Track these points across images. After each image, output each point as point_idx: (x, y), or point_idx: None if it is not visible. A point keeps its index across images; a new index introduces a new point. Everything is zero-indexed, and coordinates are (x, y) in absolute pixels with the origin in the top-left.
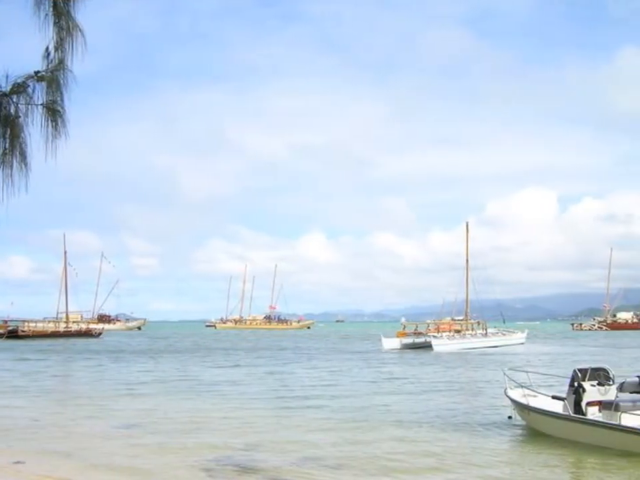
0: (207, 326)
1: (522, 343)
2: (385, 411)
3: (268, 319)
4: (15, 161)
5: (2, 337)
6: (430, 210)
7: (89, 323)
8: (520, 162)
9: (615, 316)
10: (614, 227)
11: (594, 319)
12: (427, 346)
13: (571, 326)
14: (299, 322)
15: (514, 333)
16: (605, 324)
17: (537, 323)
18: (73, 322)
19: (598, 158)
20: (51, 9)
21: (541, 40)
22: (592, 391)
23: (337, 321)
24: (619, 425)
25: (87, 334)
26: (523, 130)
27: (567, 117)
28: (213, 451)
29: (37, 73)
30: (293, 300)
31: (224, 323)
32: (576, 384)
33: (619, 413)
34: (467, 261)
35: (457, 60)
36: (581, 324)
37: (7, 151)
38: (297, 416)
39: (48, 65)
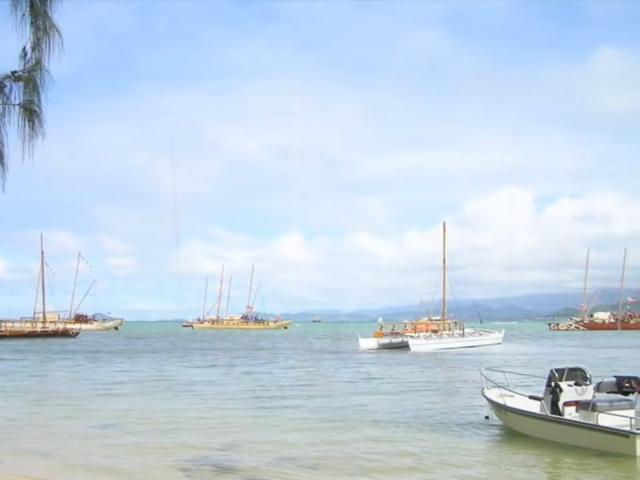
0: (184, 326)
1: (499, 343)
2: (362, 411)
3: (245, 319)
4: None
5: None
6: (408, 210)
7: (65, 323)
8: (498, 162)
9: (592, 316)
10: (591, 227)
11: (571, 319)
12: (404, 346)
13: (548, 326)
14: (275, 322)
15: (491, 333)
16: (581, 324)
17: (514, 323)
18: (50, 322)
19: (575, 158)
20: (28, 9)
21: (519, 40)
22: (569, 391)
23: (314, 321)
24: (596, 425)
25: (64, 334)
26: (500, 130)
27: (544, 117)
28: (190, 451)
29: (14, 72)
30: (270, 300)
31: (201, 323)
32: (553, 384)
33: (596, 413)
34: (444, 261)
35: (434, 60)
36: (557, 324)
37: None
38: (273, 416)
39: (25, 65)
